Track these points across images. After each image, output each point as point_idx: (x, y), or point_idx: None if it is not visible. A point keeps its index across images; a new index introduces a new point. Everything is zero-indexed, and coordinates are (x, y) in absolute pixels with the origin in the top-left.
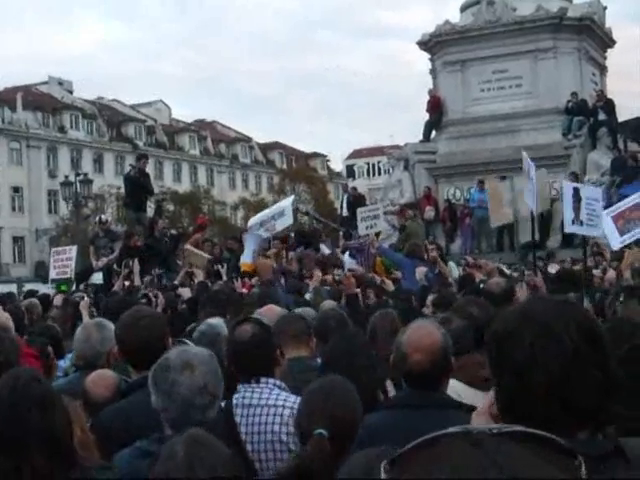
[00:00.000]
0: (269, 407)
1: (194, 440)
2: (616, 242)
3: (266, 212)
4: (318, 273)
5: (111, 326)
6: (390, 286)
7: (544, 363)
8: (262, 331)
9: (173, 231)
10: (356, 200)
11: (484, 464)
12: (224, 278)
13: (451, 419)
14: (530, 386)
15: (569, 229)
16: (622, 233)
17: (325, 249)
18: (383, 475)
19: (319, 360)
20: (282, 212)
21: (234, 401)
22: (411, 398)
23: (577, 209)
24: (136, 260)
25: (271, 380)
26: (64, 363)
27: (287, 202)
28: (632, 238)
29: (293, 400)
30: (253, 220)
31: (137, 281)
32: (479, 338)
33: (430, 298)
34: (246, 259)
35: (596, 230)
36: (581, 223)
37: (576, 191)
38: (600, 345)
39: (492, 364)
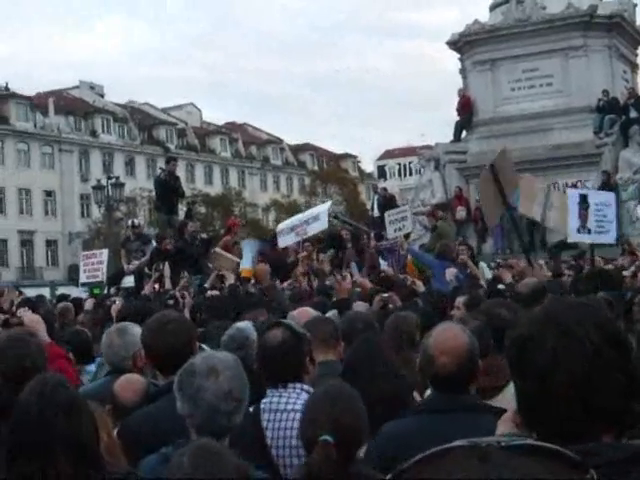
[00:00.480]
0: (295, 412)
1: (201, 450)
2: None
3: (299, 217)
4: (350, 276)
5: (135, 330)
6: (421, 287)
7: (566, 366)
8: (292, 337)
9: (204, 235)
10: (387, 201)
11: (489, 479)
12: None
13: (480, 423)
14: (552, 390)
15: (574, 238)
16: None
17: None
18: None
19: None
20: (317, 217)
21: (262, 406)
22: (438, 402)
23: (585, 216)
24: (167, 263)
25: (298, 385)
26: (94, 368)
27: (324, 207)
28: None
29: None
30: (284, 224)
31: (168, 284)
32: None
33: (460, 300)
34: (245, 264)
35: (607, 236)
36: (589, 231)
37: (583, 198)
38: (623, 347)
39: (513, 368)
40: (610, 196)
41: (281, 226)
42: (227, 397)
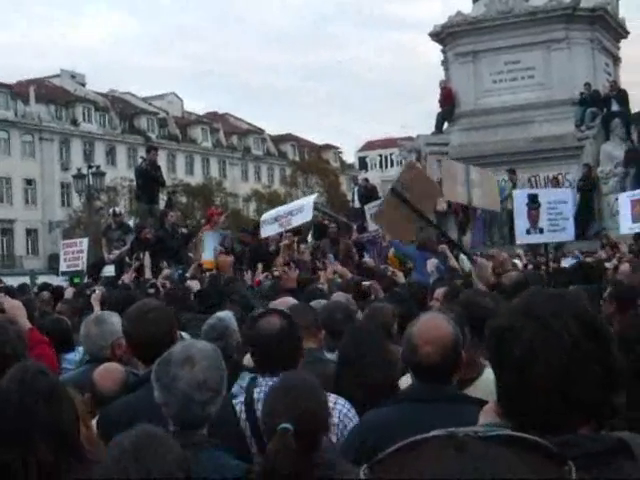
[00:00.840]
0: None
1: (144, 435)
2: (625, 227)
3: (283, 208)
4: (333, 266)
5: (113, 319)
6: (401, 278)
7: (544, 358)
8: (289, 323)
9: (184, 229)
10: (367, 192)
11: (465, 469)
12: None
13: (463, 413)
14: (530, 381)
15: (522, 239)
16: (635, 220)
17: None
18: (362, 477)
19: (325, 352)
20: (301, 208)
21: (255, 395)
22: (420, 392)
23: (535, 216)
24: (147, 253)
25: None
26: (74, 356)
27: (309, 199)
28: None
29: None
30: (268, 214)
31: (148, 274)
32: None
33: (440, 291)
34: (207, 256)
35: (564, 234)
36: (541, 230)
37: (532, 197)
38: (602, 339)
39: (492, 358)
40: (565, 193)
41: (265, 216)
42: (202, 387)
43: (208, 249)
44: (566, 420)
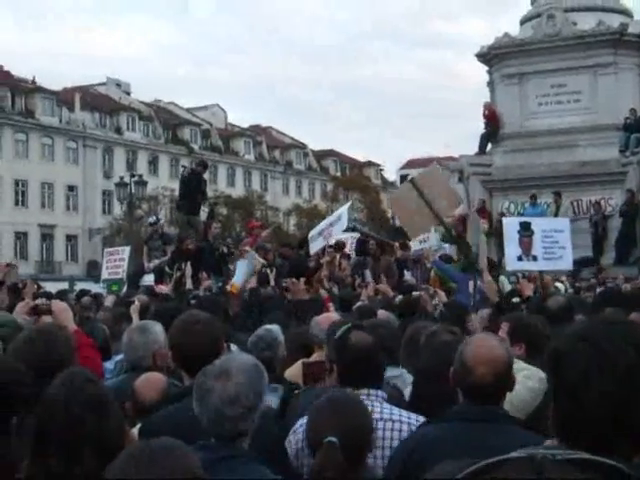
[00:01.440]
0: (385, 421)
1: (160, 445)
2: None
3: (325, 221)
4: (374, 284)
5: (156, 328)
6: (443, 298)
7: (598, 384)
8: (376, 341)
9: (224, 248)
10: None
11: None
12: (272, 283)
13: (508, 433)
14: (583, 407)
15: (513, 266)
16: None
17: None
18: None
19: None
20: (339, 217)
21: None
22: (472, 411)
23: (527, 244)
24: (189, 264)
25: (380, 392)
26: (111, 365)
27: (344, 207)
28: None
29: (406, 415)
30: (314, 231)
31: (189, 284)
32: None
33: (484, 312)
34: (236, 280)
35: (561, 262)
36: (534, 258)
37: (524, 225)
38: None
39: (549, 381)
40: (563, 222)
41: (312, 232)
42: (233, 402)
43: (238, 274)
44: (618, 447)
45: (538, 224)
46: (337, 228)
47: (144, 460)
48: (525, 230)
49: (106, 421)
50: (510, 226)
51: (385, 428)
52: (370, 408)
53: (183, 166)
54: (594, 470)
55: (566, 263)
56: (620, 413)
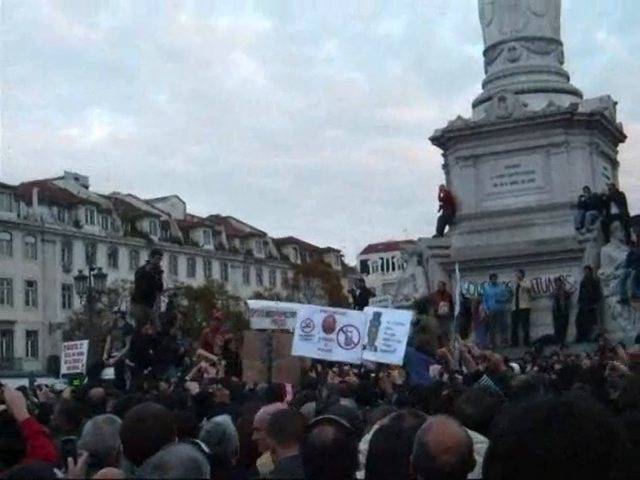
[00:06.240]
0: None
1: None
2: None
3: (272, 304)
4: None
5: (119, 422)
6: (397, 379)
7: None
8: (344, 433)
9: (182, 348)
10: (363, 292)
11: None
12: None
13: None
14: None
15: (363, 355)
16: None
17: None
18: None
19: None
20: (295, 313)
21: None
22: None
23: (374, 334)
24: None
25: None
26: None
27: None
28: None
29: None
30: (257, 304)
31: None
32: None
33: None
34: None
35: (393, 356)
36: (375, 349)
37: (377, 315)
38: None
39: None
40: (405, 316)
41: (254, 304)
42: None
43: None
44: None
45: (386, 315)
46: (291, 322)
47: None
48: (375, 320)
49: None
50: (367, 316)
51: None
52: None
53: (146, 260)
54: None
55: (397, 358)
56: None
